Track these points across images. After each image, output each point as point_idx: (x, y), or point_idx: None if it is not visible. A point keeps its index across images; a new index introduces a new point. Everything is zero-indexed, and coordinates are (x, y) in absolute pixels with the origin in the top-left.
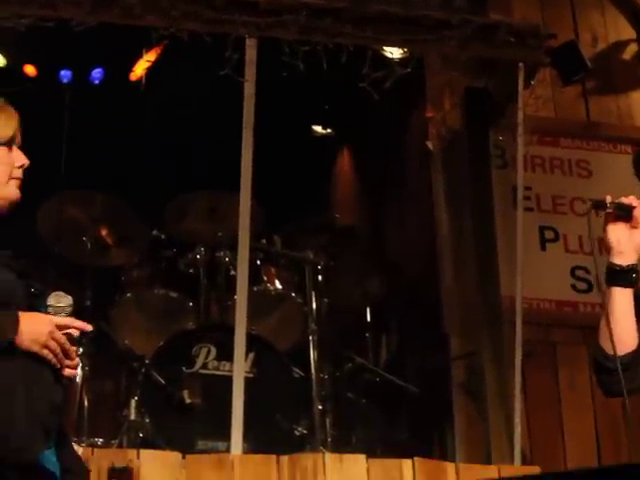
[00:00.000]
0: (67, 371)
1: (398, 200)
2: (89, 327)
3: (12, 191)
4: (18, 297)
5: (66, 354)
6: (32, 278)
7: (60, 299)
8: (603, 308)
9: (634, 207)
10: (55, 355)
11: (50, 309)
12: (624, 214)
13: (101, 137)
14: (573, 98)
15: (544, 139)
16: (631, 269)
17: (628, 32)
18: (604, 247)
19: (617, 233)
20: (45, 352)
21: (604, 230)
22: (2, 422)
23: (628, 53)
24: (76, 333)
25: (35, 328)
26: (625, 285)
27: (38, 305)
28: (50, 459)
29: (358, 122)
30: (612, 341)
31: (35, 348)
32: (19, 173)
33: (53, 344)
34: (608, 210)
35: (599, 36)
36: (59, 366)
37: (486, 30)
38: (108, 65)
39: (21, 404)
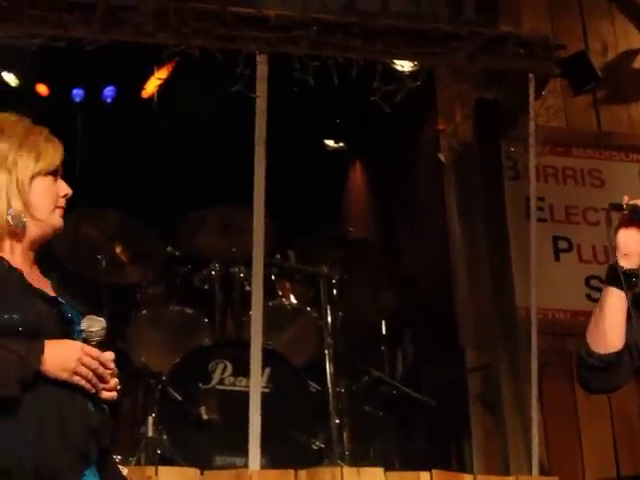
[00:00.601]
0: (105, 394)
1: (411, 212)
2: (111, 364)
3: (56, 219)
4: (49, 327)
5: (101, 378)
6: (67, 304)
7: (92, 323)
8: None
9: None
10: (88, 381)
11: (83, 334)
12: (638, 217)
13: (114, 155)
14: (584, 108)
15: (556, 149)
16: (631, 273)
17: (638, 41)
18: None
19: (627, 236)
20: (76, 379)
21: (616, 231)
22: (33, 454)
23: (638, 62)
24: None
25: (62, 355)
26: (622, 287)
27: (72, 331)
28: None
29: (370, 135)
30: (610, 338)
31: (64, 375)
32: (63, 202)
33: (83, 370)
34: (624, 212)
35: (609, 45)
36: (94, 391)
37: (495, 42)
38: (120, 83)
39: (53, 434)
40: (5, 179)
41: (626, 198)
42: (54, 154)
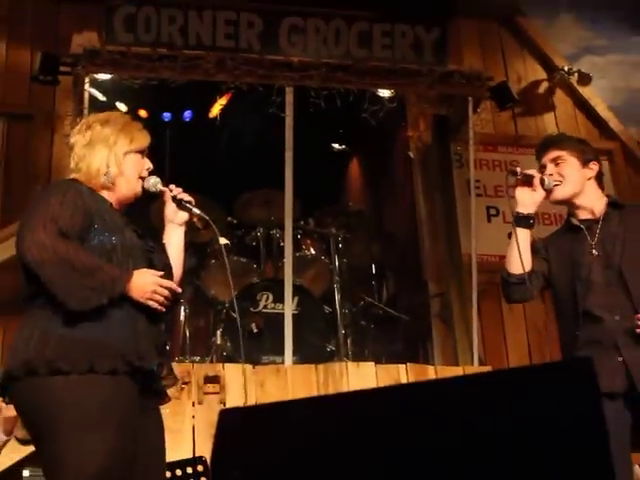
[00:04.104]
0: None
1: (391, 191)
2: (179, 290)
3: (138, 187)
4: (137, 253)
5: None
6: (149, 238)
7: (148, 182)
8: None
9: (534, 177)
10: (159, 304)
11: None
12: (527, 180)
13: (191, 155)
14: (506, 119)
15: (487, 147)
16: (528, 216)
17: (541, 74)
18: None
19: (522, 192)
20: (150, 302)
21: (514, 189)
22: (134, 341)
23: (542, 88)
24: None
25: (142, 285)
26: (524, 227)
27: (152, 259)
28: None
29: (363, 140)
30: (522, 262)
31: (141, 300)
32: (146, 173)
33: (156, 297)
34: (518, 177)
35: (522, 77)
36: (163, 310)
37: (446, 76)
38: (194, 108)
39: (141, 332)
40: (107, 152)
41: (519, 168)
42: (143, 140)
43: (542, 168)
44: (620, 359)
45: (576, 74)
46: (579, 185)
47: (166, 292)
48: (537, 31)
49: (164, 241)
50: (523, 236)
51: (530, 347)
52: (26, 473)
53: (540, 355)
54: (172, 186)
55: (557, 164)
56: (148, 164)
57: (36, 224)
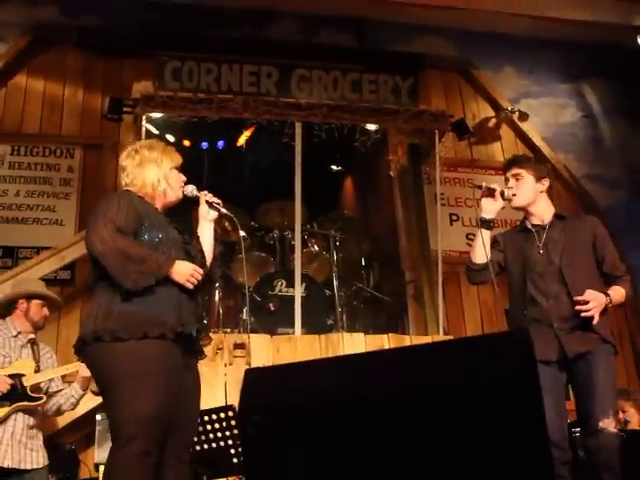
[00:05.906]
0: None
1: (376, 202)
2: (201, 271)
3: (179, 194)
4: (177, 245)
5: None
6: (186, 234)
7: (187, 189)
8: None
9: (495, 190)
10: (194, 285)
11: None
12: (490, 192)
13: (224, 175)
14: (464, 147)
15: (449, 168)
16: (489, 220)
17: (490, 113)
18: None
19: (485, 202)
20: (187, 284)
21: (479, 199)
22: (178, 311)
23: (491, 123)
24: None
25: (182, 270)
26: (486, 228)
27: (188, 249)
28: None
29: (355, 162)
30: (486, 253)
31: (180, 282)
32: (182, 184)
33: (192, 279)
34: (483, 190)
35: (475, 115)
36: (195, 290)
37: (418, 113)
38: (226, 138)
39: (184, 304)
40: (157, 169)
41: (484, 184)
42: (179, 159)
43: (506, 181)
44: (554, 334)
45: (517, 113)
46: (532, 196)
47: (200, 277)
48: (487, 80)
49: (198, 233)
50: (485, 235)
51: (482, 321)
52: (98, 417)
53: (490, 327)
54: (205, 191)
55: (517, 179)
56: (183, 177)
57: (99, 224)
